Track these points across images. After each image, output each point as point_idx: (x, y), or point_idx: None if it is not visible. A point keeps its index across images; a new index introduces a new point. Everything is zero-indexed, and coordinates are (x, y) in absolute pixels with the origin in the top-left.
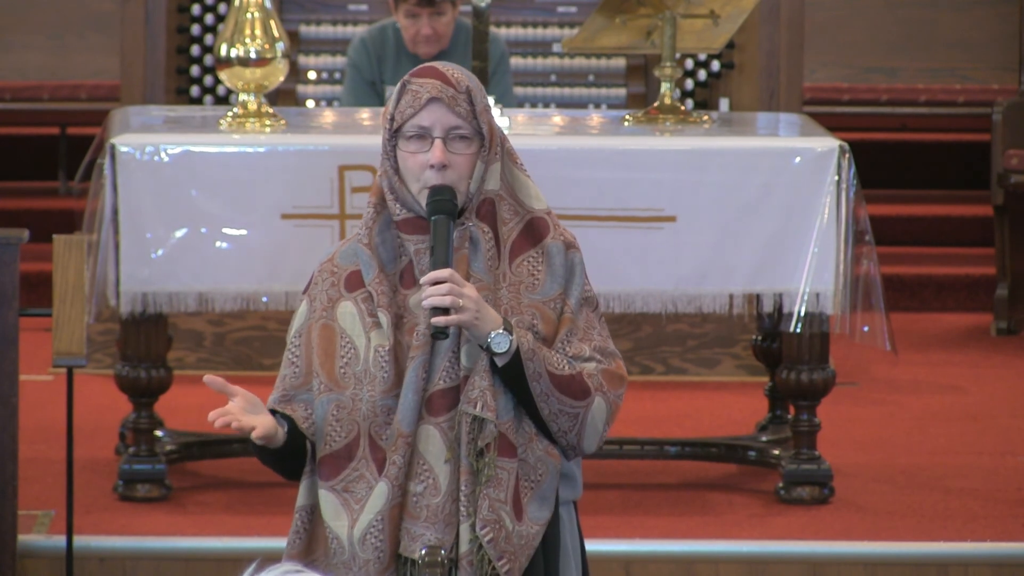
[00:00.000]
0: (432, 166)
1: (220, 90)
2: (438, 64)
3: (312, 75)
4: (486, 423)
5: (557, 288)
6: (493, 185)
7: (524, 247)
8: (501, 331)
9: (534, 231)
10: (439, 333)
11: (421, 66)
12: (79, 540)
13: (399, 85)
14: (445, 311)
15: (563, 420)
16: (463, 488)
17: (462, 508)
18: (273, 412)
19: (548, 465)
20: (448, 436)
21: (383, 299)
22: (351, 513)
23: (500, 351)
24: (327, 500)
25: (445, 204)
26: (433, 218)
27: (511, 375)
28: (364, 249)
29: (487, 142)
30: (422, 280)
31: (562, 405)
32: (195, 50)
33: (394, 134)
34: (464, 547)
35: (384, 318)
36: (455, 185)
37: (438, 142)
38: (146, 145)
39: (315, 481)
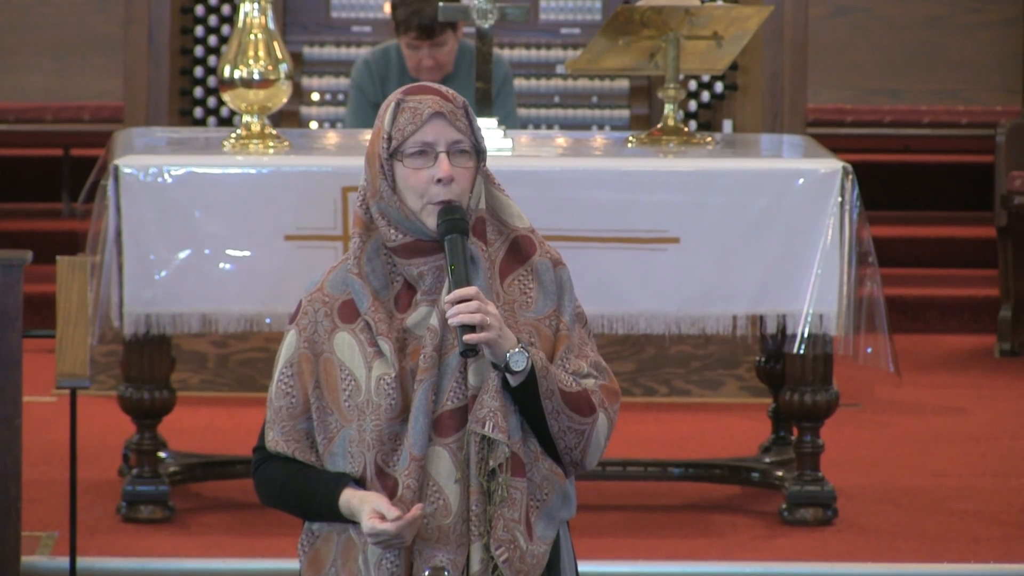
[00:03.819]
0: (440, 180)
1: (223, 111)
2: (427, 83)
3: (315, 96)
4: (496, 443)
5: (550, 305)
6: (481, 204)
7: (512, 266)
8: (518, 349)
9: (520, 249)
10: (470, 351)
11: (410, 85)
12: (82, 561)
13: (393, 104)
14: (472, 329)
15: (570, 437)
16: (474, 508)
17: (473, 528)
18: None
19: (554, 484)
20: (457, 456)
21: (382, 326)
22: (360, 540)
23: (518, 369)
24: (344, 528)
25: (458, 223)
26: (447, 237)
27: (524, 393)
28: (355, 279)
29: (483, 158)
30: (446, 299)
31: (571, 422)
32: (198, 71)
33: (392, 153)
34: (476, 567)
35: (386, 346)
36: (459, 199)
37: (443, 156)
38: (149, 166)
39: None
